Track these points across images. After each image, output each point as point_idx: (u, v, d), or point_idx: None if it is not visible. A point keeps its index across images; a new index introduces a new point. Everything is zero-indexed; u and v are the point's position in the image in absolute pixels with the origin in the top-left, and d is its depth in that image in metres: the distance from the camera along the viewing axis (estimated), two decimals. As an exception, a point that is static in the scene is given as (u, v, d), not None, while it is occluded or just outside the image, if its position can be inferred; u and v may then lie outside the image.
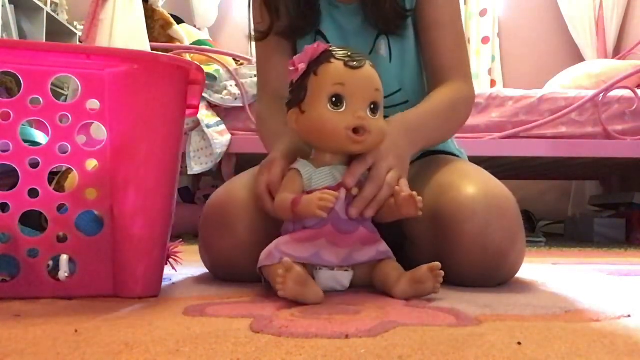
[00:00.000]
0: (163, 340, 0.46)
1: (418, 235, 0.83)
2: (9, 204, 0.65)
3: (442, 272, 0.66)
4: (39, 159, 0.66)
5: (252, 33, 0.99)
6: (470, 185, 0.77)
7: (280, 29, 0.95)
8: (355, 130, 0.67)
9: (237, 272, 0.80)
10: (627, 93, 2.02)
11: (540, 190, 3.05)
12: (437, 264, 0.66)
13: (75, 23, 2.96)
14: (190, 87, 0.72)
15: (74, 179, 0.69)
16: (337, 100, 0.67)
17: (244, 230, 0.79)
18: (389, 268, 0.71)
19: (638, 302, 0.68)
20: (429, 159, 0.95)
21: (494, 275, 0.77)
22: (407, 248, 0.84)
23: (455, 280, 0.75)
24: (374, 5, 0.93)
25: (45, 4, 2.66)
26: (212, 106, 2.01)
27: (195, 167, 1.96)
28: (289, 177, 0.71)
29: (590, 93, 2.01)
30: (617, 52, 2.99)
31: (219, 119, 2.00)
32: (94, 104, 0.67)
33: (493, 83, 3.16)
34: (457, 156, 1.00)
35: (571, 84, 2.32)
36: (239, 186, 0.83)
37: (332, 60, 0.69)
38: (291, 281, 0.60)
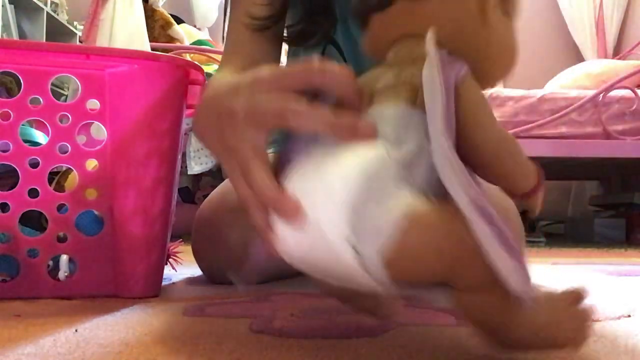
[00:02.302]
0: (163, 340, 0.46)
1: None
2: (9, 204, 0.65)
3: None
4: (39, 159, 0.66)
5: (249, 20, 0.73)
6: None
7: (288, 33, 0.77)
8: None
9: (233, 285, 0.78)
10: (627, 93, 2.02)
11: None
12: None
13: (75, 23, 2.96)
14: (190, 87, 0.72)
15: (74, 179, 0.69)
16: None
17: (236, 243, 0.74)
18: None
19: (638, 302, 0.68)
20: None
21: None
22: None
23: None
24: None
25: (45, 4, 2.65)
26: (212, 106, 2.01)
27: (195, 167, 1.96)
28: None
29: (591, 93, 2.01)
30: (617, 52, 2.98)
31: (219, 119, 2.00)
32: (94, 104, 0.67)
33: (493, 83, 3.16)
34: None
35: (571, 84, 2.32)
36: (232, 193, 0.80)
37: None
38: None
